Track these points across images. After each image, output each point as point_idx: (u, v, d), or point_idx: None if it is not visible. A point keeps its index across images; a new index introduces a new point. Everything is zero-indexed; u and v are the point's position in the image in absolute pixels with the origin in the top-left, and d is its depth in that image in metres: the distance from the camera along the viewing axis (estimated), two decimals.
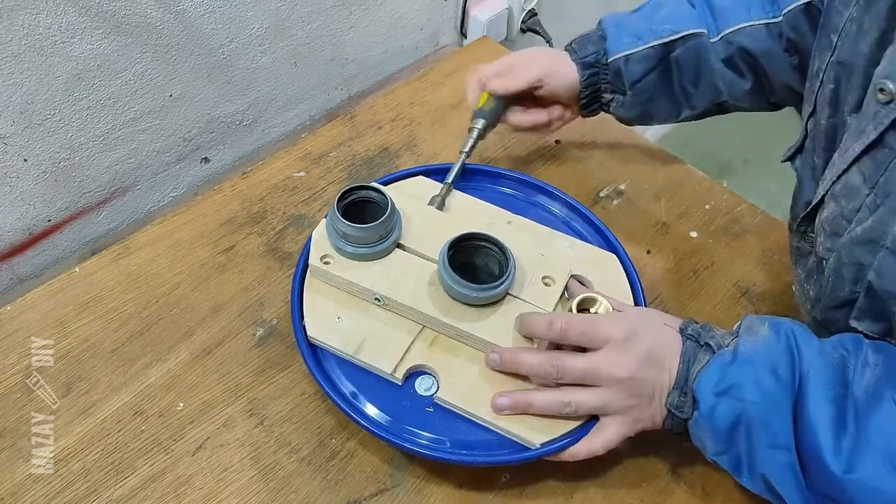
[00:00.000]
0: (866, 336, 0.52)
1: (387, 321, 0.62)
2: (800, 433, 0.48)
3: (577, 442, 0.57)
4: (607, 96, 0.75)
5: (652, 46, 0.71)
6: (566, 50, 0.75)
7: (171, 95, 0.78)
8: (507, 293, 0.62)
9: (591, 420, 0.58)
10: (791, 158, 0.68)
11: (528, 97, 0.75)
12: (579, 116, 0.79)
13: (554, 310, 0.62)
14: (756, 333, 0.52)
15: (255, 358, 0.66)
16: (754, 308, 0.74)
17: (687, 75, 0.72)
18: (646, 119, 0.77)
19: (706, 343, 0.54)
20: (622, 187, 0.84)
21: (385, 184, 0.70)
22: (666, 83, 0.73)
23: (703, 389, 0.52)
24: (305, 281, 0.65)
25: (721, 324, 0.72)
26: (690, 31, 0.70)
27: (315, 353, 0.61)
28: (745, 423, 0.50)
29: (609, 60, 0.72)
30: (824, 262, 0.56)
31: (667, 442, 0.60)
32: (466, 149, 0.73)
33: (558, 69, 0.73)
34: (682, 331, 0.56)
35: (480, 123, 0.74)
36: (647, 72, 0.72)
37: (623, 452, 0.63)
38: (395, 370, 0.60)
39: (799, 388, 0.49)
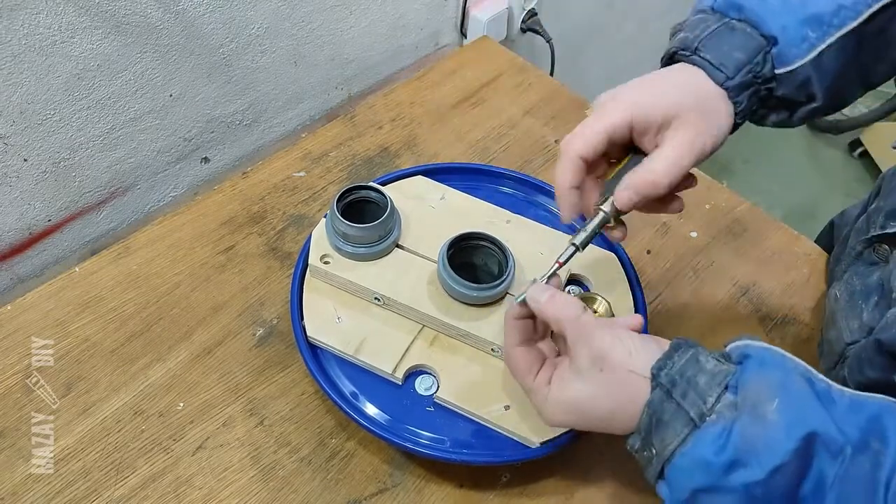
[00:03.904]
0: None
1: (386, 321, 0.62)
2: None
3: (576, 440, 0.57)
4: (773, 116, 0.53)
5: (851, 30, 0.49)
6: (687, 60, 0.50)
7: (171, 95, 0.78)
8: (507, 293, 0.62)
9: None
10: None
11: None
12: None
13: None
14: (762, 418, 0.40)
15: (255, 358, 0.66)
16: (754, 308, 0.74)
17: (873, 47, 0.51)
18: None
19: (679, 405, 0.42)
20: None
21: (384, 184, 0.70)
22: (855, 67, 0.52)
23: (679, 481, 0.42)
24: (305, 281, 0.65)
25: (722, 324, 0.72)
26: None
27: (315, 353, 0.61)
28: None
29: (791, 69, 0.49)
30: None
31: None
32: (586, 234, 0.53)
33: (707, 109, 0.49)
34: (654, 375, 0.44)
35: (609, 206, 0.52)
36: (843, 67, 0.50)
37: (623, 452, 0.62)
38: (395, 370, 0.60)
39: None
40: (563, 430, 0.57)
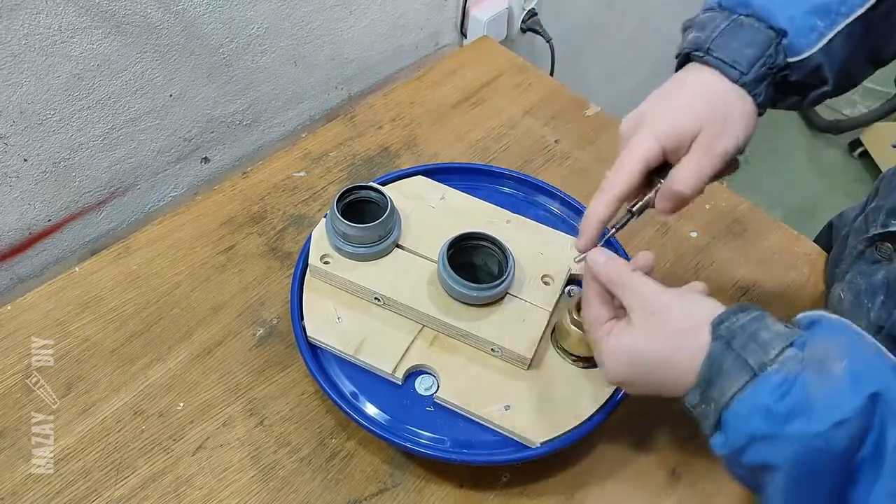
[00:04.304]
0: None
1: (386, 321, 0.62)
2: None
3: (576, 440, 0.57)
4: (786, 100, 0.55)
5: (858, 16, 0.50)
6: (701, 62, 0.52)
7: (171, 95, 0.78)
8: (507, 292, 0.62)
9: (592, 418, 0.58)
10: None
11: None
12: None
13: (553, 309, 0.62)
14: (829, 373, 0.40)
15: (255, 358, 0.66)
16: None
17: (881, 30, 0.53)
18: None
19: (739, 354, 0.43)
20: None
21: (384, 183, 0.70)
22: (864, 50, 0.54)
23: (735, 426, 0.42)
24: (305, 281, 0.65)
25: None
26: None
27: (315, 353, 0.61)
28: (776, 476, 0.41)
29: (802, 57, 0.50)
30: None
31: (667, 442, 0.60)
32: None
33: (724, 112, 0.50)
34: (713, 326, 0.45)
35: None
36: (852, 51, 0.52)
37: (623, 452, 0.63)
38: (395, 370, 0.60)
39: (858, 469, 0.39)
40: (563, 430, 0.57)
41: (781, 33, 0.50)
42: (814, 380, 0.40)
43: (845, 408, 0.38)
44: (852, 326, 0.43)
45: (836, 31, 0.50)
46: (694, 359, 0.44)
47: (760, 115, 0.52)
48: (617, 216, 0.55)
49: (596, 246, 0.54)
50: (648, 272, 0.52)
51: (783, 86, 0.52)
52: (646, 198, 0.54)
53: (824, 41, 0.50)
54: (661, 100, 0.53)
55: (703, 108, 0.50)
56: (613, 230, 0.56)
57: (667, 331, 0.47)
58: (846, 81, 0.54)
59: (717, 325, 0.44)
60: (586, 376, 0.60)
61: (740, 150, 0.51)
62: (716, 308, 0.46)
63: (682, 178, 0.50)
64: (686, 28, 0.54)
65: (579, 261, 0.55)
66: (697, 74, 0.52)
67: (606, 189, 0.52)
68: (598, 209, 0.53)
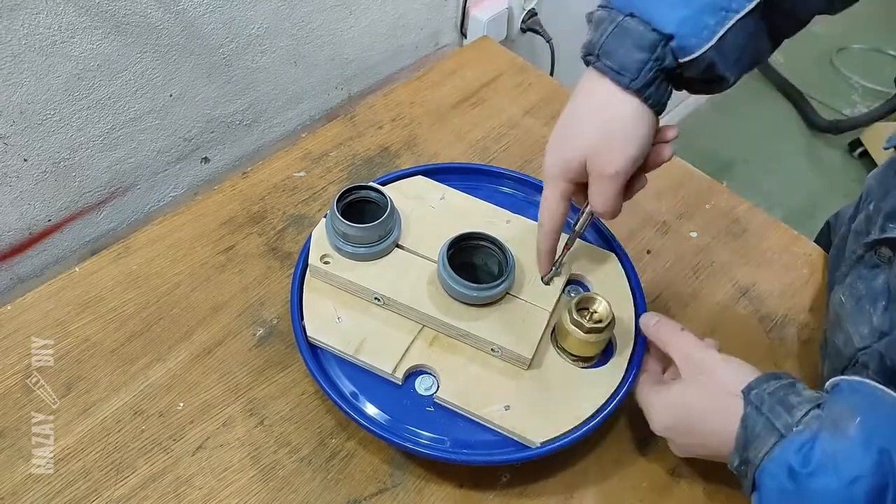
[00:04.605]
0: None
1: (386, 321, 0.62)
2: None
3: (576, 440, 0.57)
4: (692, 89, 0.53)
5: (750, 10, 0.48)
6: (594, 67, 0.51)
7: (171, 95, 0.78)
8: (507, 292, 0.62)
9: (592, 418, 0.58)
10: None
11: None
12: None
13: (553, 309, 0.62)
14: (842, 433, 0.43)
15: (255, 358, 0.66)
16: (754, 308, 0.74)
17: (779, 12, 0.50)
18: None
19: (768, 418, 0.47)
20: None
21: (384, 183, 0.70)
22: (761, 35, 0.51)
23: (767, 484, 0.45)
24: (305, 281, 0.65)
25: (722, 324, 0.72)
26: None
27: (315, 353, 0.61)
28: None
29: (693, 57, 0.48)
30: None
31: (666, 442, 0.60)
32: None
33: (611, 131, 0.51)
34: (744, 393, 0.49)
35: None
36: (747, 40, 0.50)
37: (623, 452, 0.63)
38: (395, 370, 0.60)
39: None
40: (563, 430, 0.57)
41: (667, 37, 0.48)
42: (829, 439, 0.43)
43: (858, 465, 0.41)
44: (871, 385, 0.46)
45: (727, 28, 0.47)
46: (733, 422, 0.48)
47: (659, 113, 0.52)
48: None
49: (551, 270, 0.62)
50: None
51: (678, 82, 0.52)
52: (580, 223, 0.60)
53: (715, 39, 0.47)
54: (564, 123, 0.55)
55: (591, 132, 0.52)
56: (566, 249, 0.63)
57: (712, 389, 0.51)
58: (750, 63, 0.52)
59: (747, 392, 0.49)
60: (586, 376, 0.60)
61: (641, 156, 0.52)
62: (754, 375, 0.50)
63: (595, 203, 0.54)
64: (588, 20, 0.53)
65: (548, 282, 0.63)
66: (591, 84, 0.52)
67: (542, 226, 0.59)
68: (542, 245, 0.60)
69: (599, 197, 0.53)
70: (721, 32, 0.47)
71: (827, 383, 0.49)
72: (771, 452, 0.45)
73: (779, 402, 0.47)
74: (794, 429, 0.45)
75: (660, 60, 0.48)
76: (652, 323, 0.59)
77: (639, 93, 0.49)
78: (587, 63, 0.52)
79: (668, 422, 0.55)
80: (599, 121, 0.51)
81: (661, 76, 0.50)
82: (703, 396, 0.52)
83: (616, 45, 0.49)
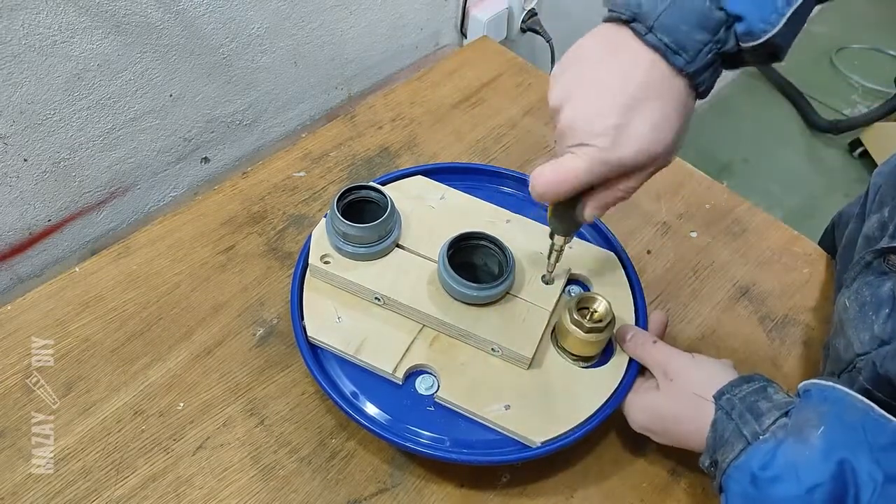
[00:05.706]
0: None
1: (387, 321, 0.62)
2: None
3: (576, 440, 0.57)
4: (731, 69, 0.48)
5: None
6: (642, 39, 0.44)
7: (171, 95, 0.78)
8: (507, 292, 0.62)
9: (592, 418, 0.58)
10: None
11: None
12: None
13: (553, 309, 0.62)
14: (805, 441, 0.44)
15: (255, 358, 0.66)
16: (754, 308, 0.74)
17: None
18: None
19: (737, 424, 0.48)
20: None
21: (384, 183, 0.70)
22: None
23: (732, 489, 0.47)
24: (305, 281, 0.65)
25: (722, 324, 0.72)
26: None
27: (315, 353, 0.61)
28: None
29: (759, 42, 0.44)
30: None
31: None
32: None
33: (662, 114, 0.45)
34: (715, 398, 0.51)
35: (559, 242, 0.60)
36: (807, 12, 0.45)
37: (623, 452, 0.63)
38: (395, 370, 0.60)
39: None
40: (563, 430, 0.57)
41: (734, 18, 0.43)
42: (791, 447, 0.44)
43: (818, 473, 0.42)
44: (840, 390, 0.46)
45: (794, 8, 0.43)
46: (706, 424, 0.50)
47: (701, 98, 0.47)
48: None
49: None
50: (663, 329, 0.63)
51: (729, 63, 0.47)
52: (553, 259, 0.61)
53: (783, 22, 0.43)
54: (588, 86, 0.46)
55: (644, 127, 0.45)
56: (554, 259, 0.61)
57: (684, 395, 0.53)
58: (800, 30, 0.46)
59: (718, 397, 0.50)
60: (586, 376, 0.60)
61: (678, 146, 0.47)
62: (728, 377, 0.52)
63: (613, 197, 0.50)
64: None
65: (548, 281, 0.64)
66: (631, 51, 0.44)
67: (536, 192, 0.50)
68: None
69: (627, 193, 0.48)
70: (789, 13, 0.43)
71: (799, 386, 0.49)
72: (737, 459, 0.46)
73: (748, 409, 0.48)
74: (761, 437, 0.46)
75: (721, 43, 0.43)
76: (627, 338, 0.61)
77: (692, 76, 0.44)
78: (636, 31, 0.44)
79: (645, 422, 0.57)
80: (650, 108, 0.44)
81: (718, 60, 0.45)
82: (677, 403, 0.54)
83: (677, 20, 0.43)
